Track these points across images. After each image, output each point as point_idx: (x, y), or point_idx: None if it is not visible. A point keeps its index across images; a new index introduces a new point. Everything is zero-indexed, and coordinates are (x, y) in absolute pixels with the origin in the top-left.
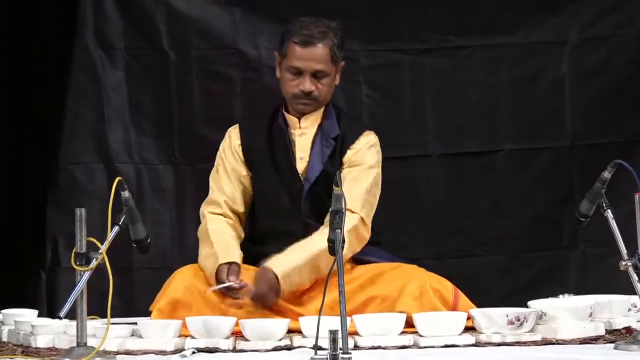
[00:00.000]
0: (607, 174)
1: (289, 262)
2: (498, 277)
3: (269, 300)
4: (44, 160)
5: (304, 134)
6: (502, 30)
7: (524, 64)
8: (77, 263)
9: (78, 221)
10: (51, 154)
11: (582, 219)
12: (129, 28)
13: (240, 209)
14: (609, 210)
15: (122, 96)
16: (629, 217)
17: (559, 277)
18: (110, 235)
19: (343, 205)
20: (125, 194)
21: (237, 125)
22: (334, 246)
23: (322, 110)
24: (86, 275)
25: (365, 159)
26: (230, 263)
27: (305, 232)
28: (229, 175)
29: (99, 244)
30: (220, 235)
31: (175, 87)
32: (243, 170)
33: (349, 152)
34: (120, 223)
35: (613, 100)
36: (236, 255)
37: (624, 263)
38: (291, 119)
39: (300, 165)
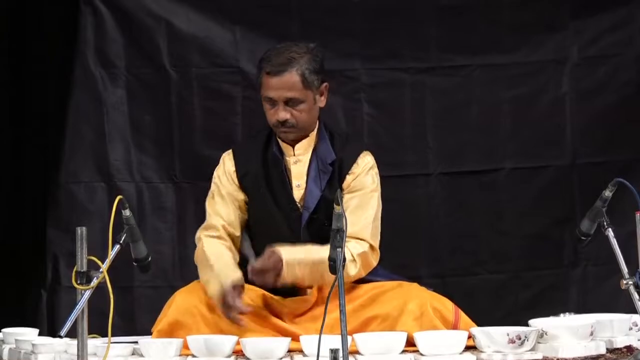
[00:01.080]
0: (608, 193)
1: (297, 254)
2: (499, 295)
3: (269, 278)
4: (44, 179)
5: (298, 161)
6: (502, 49)
7: (524, 83)
8: (78, 282)
9: (79, 240)
10: (52, 173)
11: (583, 238)
12: (129, 47)
13: (237, 232)
14: (610, 229)
15: (122, 114)
16: (629, 236)
17: (560, 295)
18: (111, 253)
19: (344, 224)
20: (126, 212)
21: (230, 151)
22: (335, 265)
23: (314, 134)
24: (87, 294)
25: (366, 183)
26: (234, 286)
27: None
28: (224, 199)
29: (99, 262)
30: (219, 257)
31: (176, 106)
32: (239, 195)
33: (348, 178)
34: (121, 242)
35: (613, 119)
36: (238, 277)
37: (624, 282)
38: (285, 147)
39: (298, 193)
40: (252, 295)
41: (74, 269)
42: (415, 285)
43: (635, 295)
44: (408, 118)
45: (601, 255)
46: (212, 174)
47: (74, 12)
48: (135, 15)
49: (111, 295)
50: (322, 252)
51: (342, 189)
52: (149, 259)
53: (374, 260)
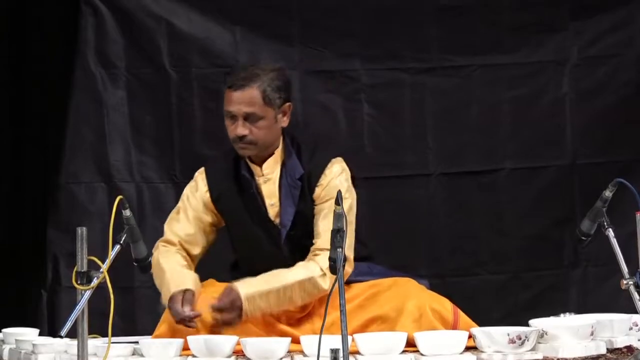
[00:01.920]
0: (608, 193)
1: (256, 286)
2: (499, 296)
3: (229, 317)
4: (44, 180)
5: (268, 180)
6: (502, 49)
7: (524, 84)
8: (78, 282)
9: (79, 240)
10: (52, 173)
11: (583, 238)
12: (130, 47)
13: (194, 251)
14: (610, 229)
15: (123, 115)
16: (630, 236)
17: (560, 295)
18: (112, 254)
19: (344, 224)
20: (127, 212)
21: (203, 172)
22: (334, 265)
23: (279, 151)
24: (87, 294)
25: (333, 192)
26: (184, 291)
27: None
28: (189, 219)
29: (100, 262)
30: (171, 263)
31: (176, 106)
32: (206, 217)
33: (317, 190)
34: (121, 242)
35: (613, 120)
36: (189, 282)
37: (625, 282)
38: (253, 167)
39: (273, 212)
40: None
41: (74, 269)
42: (411, 282)
43: (636, 295)
44: (408, 118)
45: (601, 256)
46: None
47: (74, 13)
48: (136, 16)
49: (111, 296)
50: (286, 276)
51: (313, 201)
52: (149, 259)
53: (348, 266)
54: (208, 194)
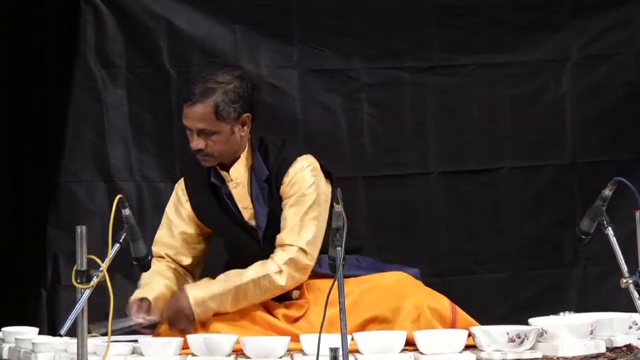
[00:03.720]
0: (607, 192)
1: (207, 289)
2: (499, 294)
3: (180, 325)
4: (44, 179)
5: (238, 184)
6: (502, 48)
7: (524, 82)
8: (78, 281)
9: (79, 239)
10: (52, 172)
11: (583, 237)
12: (130, 46)
13: (185, 262)
14: (610, 228)
15: (123, 114)
16: (629, 235)
17: (560, 294)
18: (111, 252)
19: (344, 223)
20: (126, 211)
21: (182, 182)
22: (334, 263)
23: (245, 155)
24: (87, 293)
25: (295, 188)
26: (141, 299)
27: None
28: (172, 233)
29: (99, 261)
30: (147, 274)
31: (176, 105)
32: (191, 230)
33: (282, 187)
34: (121, 240)
35: (613, 119)
36: (152, 292)
37: (624, 281)
38: (223, 173)
39: (247, 214)
40: None
41: (74, 268)
42: (405, 278)
43: (635, 294)
44: (408, 117)
45: (601, 255)
46: None
47: (74, 12)
48: (136, 15)
49: (111, 294)
50: (241, 277)
51: (281, 199)
52: (149, 257)
53: (308, 260)
54: (188, 204)
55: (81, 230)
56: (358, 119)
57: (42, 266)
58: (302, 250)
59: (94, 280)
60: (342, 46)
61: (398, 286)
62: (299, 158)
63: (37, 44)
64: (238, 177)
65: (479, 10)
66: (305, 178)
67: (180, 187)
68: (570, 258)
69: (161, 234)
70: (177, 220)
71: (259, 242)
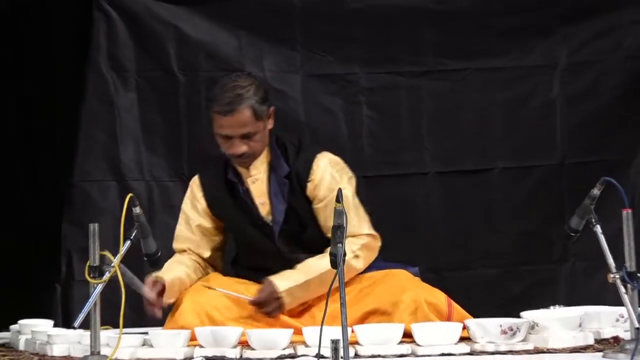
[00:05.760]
0: (596, 191)
1: (294, 279)
2: (492, 289)
3: (268, 309)
4: (59, 178)
5: (256, 180)
6: (495, 54)
7: (516, 87)
8: (91, 276)
9: (91, 236)
10: (66, 172)
11: (572, 234)
12: (140, 52)
13: (205, 254)
14: (598, 226)
15: (133, 116)
16: (617, 232)
17: (550, 289)
18: (123, 249)
19: (344, 221)
20: (137, 209)
21: (197, 178)
22: (335, 259)
23: (265, 152)
24: (99, 288)
25: (333, 184)
26: (156, 281)
27: (288, 266)
28: (190, 227)
29: (111, 257)
30: (170, 262)
31: (184, 108)
32: (208, 224)
33: (309, 186)
34: (132, 237)
35: (601, 121)
36: (169, 275)
37: (612, 276)
38: (242, 170)
39: (264, 210)
40: (253, 290)
41: (87, 264)
42: (405, 275)
43: (622, 289)
44: (405, 120)
45: (589, 251)
46: None
47: (87, 19)
48: (146, 22)
49: (123, 289)
50: (320, 265)
51: (307, 197)
52: (159, 254)
53: (376, 243)
54: (203, 199)
55: (94, 227)
56: (358, 121)
57: (57, 262)
58: (370, 235)
59: (106, 275)
60: (342, 52)
61: (398, 281)
62: (318, 155)
63: (52, 50)
64: (257, 173)
65: (472, 17)
66: (333, 176)
67: (195, 183)
68: (559, 254)
69: (180, 230)
70: (194, 215)
71: (272, 238)
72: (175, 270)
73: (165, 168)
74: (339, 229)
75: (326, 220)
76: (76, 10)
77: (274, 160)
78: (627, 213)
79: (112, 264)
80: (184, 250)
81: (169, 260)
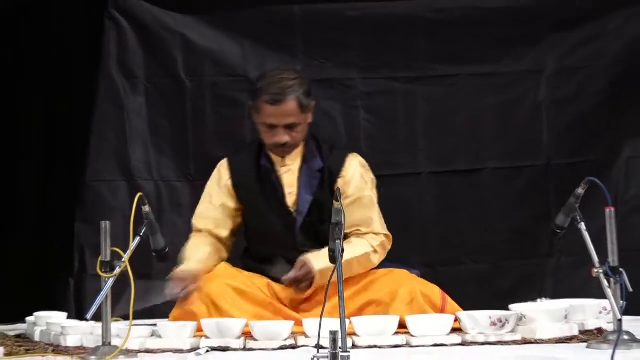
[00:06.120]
0: (580, 190)
1: (326, 263)
2: (482, 283)
3: (302, 285)
4: (72, 179)
5: (289, 170)
6: (486, 60)
7: (506, 91)
8: (103, 270)
9: (103, 233)
10: (79, 173)
11: (558, 231)
12: (149, 59)
13: (223, 234)
14: (582, 223)
15: (142, 120)
16: (600, 229)
17: (537, 283)
18: (132, 245)
19: (342, 219)
20: (146, 208)
21: (226, 162)
22: (334, 255)
23: (302, 144)
24: (110, 282)
25: (360, 186)
26: (184, 270)
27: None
28: (214, 206)
29: (122, 253)
30: (189, 248)
31: (190, 111)
32: (230, 203)
33: (339, 181)
34: (141, 234)
35: (586, 125)
36: (197, 264)
37: (595, 270)
38: (275, 158)
39: (290, 200)
40: (259, 283)
41: (99, 259)
42: (405, 272)
43: (605, 283)
44: (400, 123)
45: (574, 247)
46: None
47: (99, 28)
48: (154, 30)
49: (132, 283)
50: (348, 253)
51: (333, 192)
52: (167, 250)
53: (389, 244)
54: (230, 181)
55: (105, 225)
56: (355, 124)
57: (70, 257)
58: (387, 236)
59: (117, 270)
60: (340, 58)
61: (396, 276)
62: (350, 154)
63: (66, 57)
64: (291, 164)
65: (465, 26)
66: (363, 177)
67: (223, 166)
68: (546, 250)
69: (202, 208)
70: (219, 194)
71: (293, 228)
72: (199, 259)
73: (173, 168)
74: (337, 226)
75: (349, 216)
76: (89, 19)
77: (308, 154)
78: (610, 211)
79: (123, 260)
80: (199, 230)
81: (188, 246)
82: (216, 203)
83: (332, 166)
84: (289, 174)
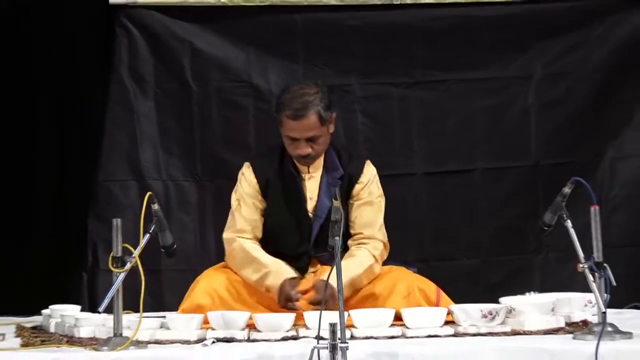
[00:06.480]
0: (567, 190)
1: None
2: (474, 277)
3: (328, 304)
4: (85, 178)
5: (312, 177)
6: (477, 67)
7: (496, 96)
8: (114, 265)
9: (115, 230)
10: (92, 173)
11: (545, 228)
12: (158, 65)
13: (259, 234)
14: (569, 221)
15: (152, 122)
16: (585, 226)
17: (526, 277)
18: (142, 241)
19: (341, 216)
20: (155, 206)
21: (249, 165)
22: (333, 251)
23: (324, 154)
24: (122, 276)
25: (373, 191)
26: (293, 278)
27: (309, 262)
28: (249, 207)
29: (132, 249)
30: (267, 256)
31: (197, 115)
32: (261, 203)
33: (357, 186)
34: (150, 231)
35: (572, 127)
36: (292, 270)
37: (581, 265)
38: (301, 167)
39: (310, 205)
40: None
41: (111, 255)
42: (402, 269)
43: (590, 277)
44: (396, 126)
45: (561, 243)
46: (229, 173)
47: (110, 36)
48: (163, 38)
49: (142, 277)
50: (357, 268)
51: (352, 196)
52: (175, 246)
53: (387, 253)
54: (256, 182)
55: (117, 222)
56: (354, 127)
57: (84, 253)
58: (385, 245)
59: (128, 265)
60: (339, 65)
61: (394, 272)
62: (366, 162)
63: (81, 64)
64: (314, 171)
65: (458, 34)
66: (377, 184)
67: (247, 169)
68: (534, 246)
69: (240, 210)
70: (251, 195)
71: (304, 230)
72: (285, 268)
73: (181, 169)
74: (336, 223)
75: (357, 216)
76: (101, 28)
77: (329, 162)
78: (594, 209)
79: (133, 255)
80: (247, 233)
81: (258, 251)
82: (250, 203)
83: (352, 173)
84: (312, 181)
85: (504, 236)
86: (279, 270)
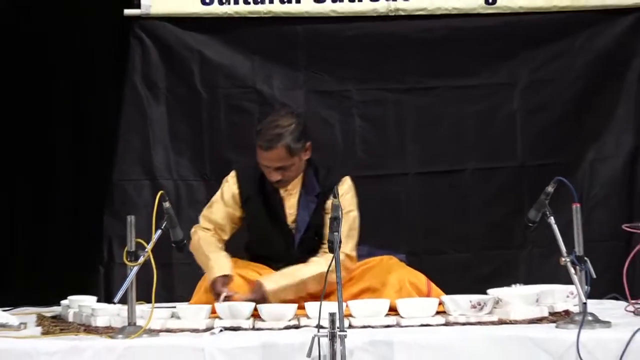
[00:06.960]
0: (550, 188)
1: (279, 282)
2: (463, 270)
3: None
4: (101, 178)
5: (290, 194)
6: (467, 74)
7: (484, 101)
8: (128, 259)
9: (129, 226)
10: (107, 173)
11: (530, 225)
12: (169, 72)
13: (224, 236)
14: (552, 217)
15: (163, 126)
16: (567, 223)
17: (512, 270)
18: (154, 237)
19: (340, 214)
20: (166, 204)
21: (234, 174)
22: (332, 245)
23: (301, 174)
24: (135, 269)
25: (349, 204)
26: (224, 276)
27: (292, 261)
28: (221, 212)
29: (145, 244)
30: (213, 249)
31: (206, 119)
32: (236, 212)
33: (328, 202)
34: (162, 227)
35: (555, 131)
36: (227, 268)
37: (563, 259)
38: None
39: (290, 218)
40: (264, 273)
41: (125, 249)
42: (393, 260)
43: (572, 270)
44: (391, 129)
45: (544, 239)
46: None
47: (125, 45)
48: (175, 48)
49: (154, 270)
50: (303, 273)
51: (325, 210)
52: (185, 241)
53: (350, 263)
54: (239, 194)
55: (131, 219)
56: (351, 130)
57: (100, 248)
58: (348, 256)
59: (141, 259)
60: (339, 72)
61: (386, 266)
62: (343, 179)
63: (96, 71)
64: (292, 189)
65: (449, 44)
66: (350, 199)
67: (232, 178)
68: (519, 241)
69: (211, 211)
70: (227, 203)
71: (287, 242)
72: (226, 262)
73: (190, 169)
74: (336, 220)
75: (326, 229)
76: (117, 37)
77: (307, 181)
78: (576, 207)
79: (146, 250)
80: (208, 230)
81: (206, 242)
82: (223, 210)
83: (327, 190)
84: (290, 197)
85: (491, 232)
86: (214, 267)
